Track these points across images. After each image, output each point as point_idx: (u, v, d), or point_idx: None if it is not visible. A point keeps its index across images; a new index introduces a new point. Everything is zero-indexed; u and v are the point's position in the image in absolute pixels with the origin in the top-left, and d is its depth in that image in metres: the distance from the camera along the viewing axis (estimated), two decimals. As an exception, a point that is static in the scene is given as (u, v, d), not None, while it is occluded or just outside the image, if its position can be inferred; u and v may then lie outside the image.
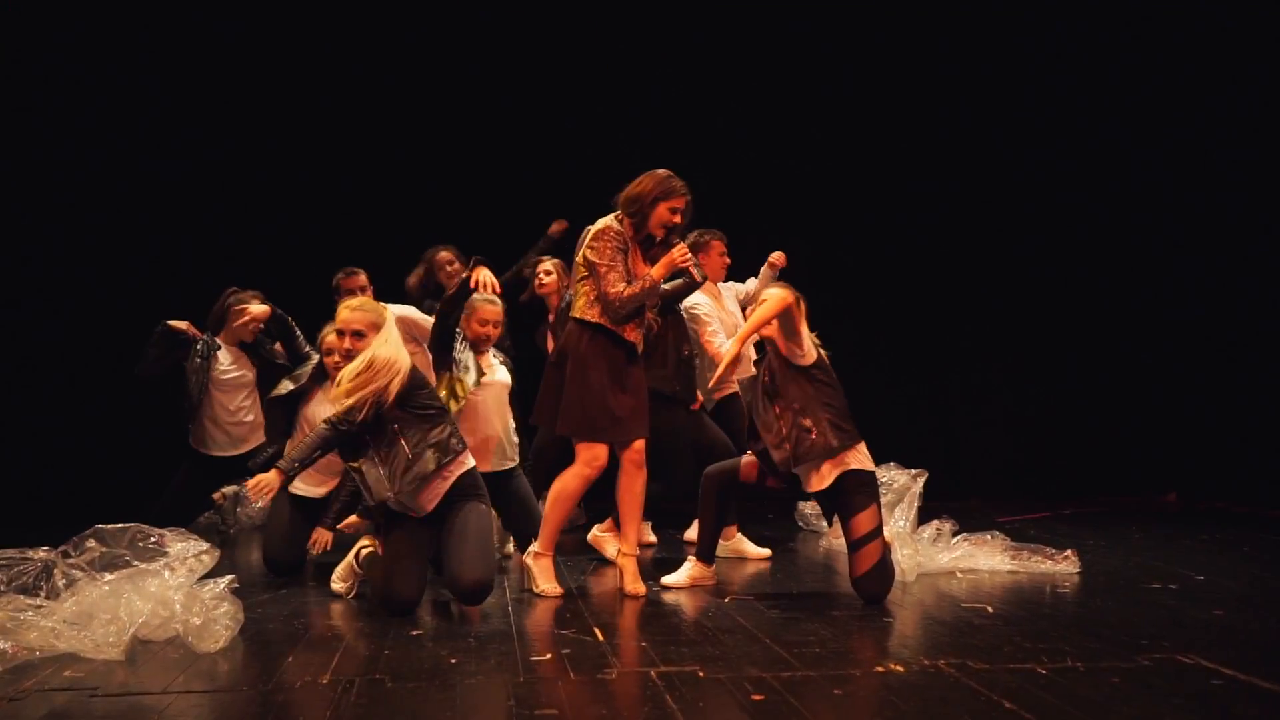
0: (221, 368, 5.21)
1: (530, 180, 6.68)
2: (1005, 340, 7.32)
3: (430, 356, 4.58)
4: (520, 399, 4.87)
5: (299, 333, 5.05)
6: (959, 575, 4.32)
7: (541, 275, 5.40)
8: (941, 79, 7.20)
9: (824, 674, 2.85)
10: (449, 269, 5.48)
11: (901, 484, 4.72)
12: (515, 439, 4.80)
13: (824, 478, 3.86)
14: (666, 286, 4.34)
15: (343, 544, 4.35)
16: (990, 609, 3.68)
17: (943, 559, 4.38)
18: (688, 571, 4.15)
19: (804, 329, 3.91)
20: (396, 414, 3.63)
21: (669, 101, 7.00)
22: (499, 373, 4.73)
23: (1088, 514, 6.37)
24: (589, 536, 4.88)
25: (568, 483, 3.98)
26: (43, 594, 3.24)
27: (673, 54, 7.03)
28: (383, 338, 3.71)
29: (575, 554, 4.91)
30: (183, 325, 5.20)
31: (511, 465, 4.76)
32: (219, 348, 5.21)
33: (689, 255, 3.93)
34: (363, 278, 5.44)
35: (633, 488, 4.01)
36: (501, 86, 6.92)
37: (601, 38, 6.95)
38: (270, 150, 6.66)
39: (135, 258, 6.46)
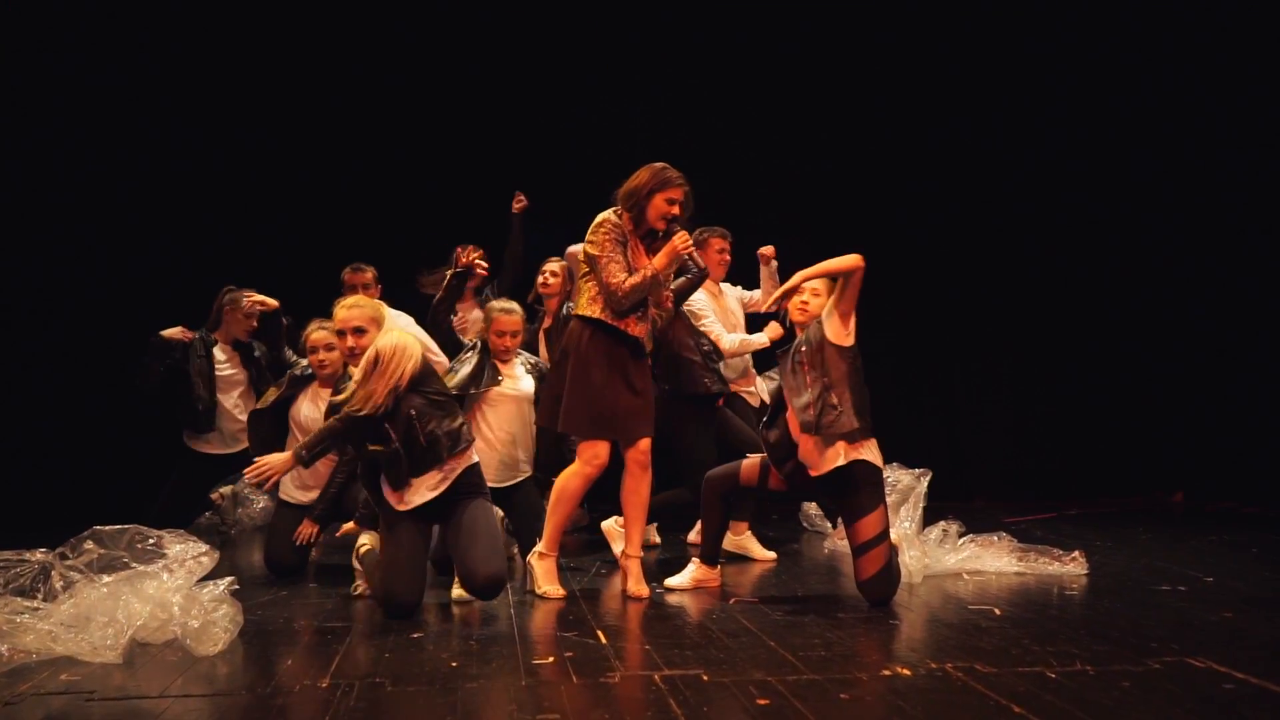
0: (217, 365, 5.29)
1: (531, 181, 6.64)
2: (1010, 339, 7.27)
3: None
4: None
5: (284, 343, 5.12)
6: (965, 577, 4.28)
7: (548, 275, 5.34)
8: (943, 78, 7.16)
9: (830, 678, 2.81)
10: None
11: (906, 484, 4.67)
12: (527, 454, 4.77)
13: (834, 458, 3.79)
14: (673, 285, 4.30)
15: (344, 545, 4.33)
16: (997, 611, 3.64)
17: (949, 560, 4.34)
18: (691, 573, 4.12)
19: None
20: (413, 400, 3.63)
21: (669, 102, 6.96)
22: (522, 383, 4.67)
23: (1094, 514, 6.33)
24: (603, 525, 4.78)
25: (568, 482, 3.95)
26: (40, 596, 3.22)
27: (673, 54, 6.99)
28: (385, 330, 3.73)
29: (579, 555, 4.87)
30: (174, 332, 5.28)
31: (520, 479, 4.75)
32: (215, 344, 5.31)
33: (690, 243, 3.89)
34: (369, 274, 5.45)
35: (638, 489, 3.97)
36: (501, 86, 6.89)
37: (603, 38, 6.92)
38: (270, 150, 6.64)
39: (133, 258, 6.43)
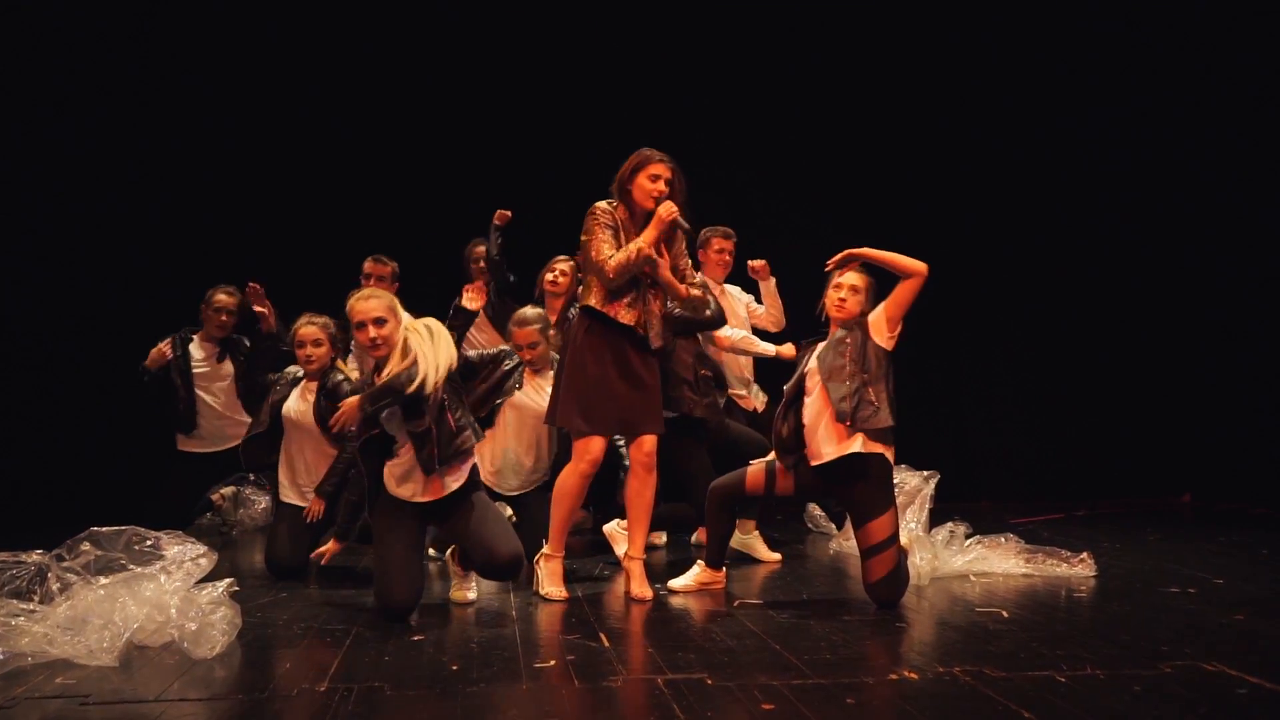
0: (194, 362, 5.36)
1: (534, 181, 6.61)
2: (1018, 341, 7.23)
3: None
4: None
5: (270, 358, 5.19)
6: (972, 579, 4.24)
7: (556, 274, 5.23)
8: (946, 76, 7.13)
9: (836, 682, 2.77)
10: (476, 267, 5.64)
11: (913, 486, 4.65)
12: (532, 466, 4.76)
13: (850, 445, 3.72)
14: (682, 312, 4.23)
15: (348, 551, 4.29)
16: (1006, 614, 3.60)
17: (956, 562, 4.30)
18: (695, 575, 4.07)
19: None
20: (444, 387, 3.64)
21: (670, 101, 6.91)
22: (543, 395, 4.59)
23: (1102, 516, 6.29)
24: (604, 528, 4.74)
25: (565, 480, 3.92)
26: (36, 598, 3.18)
27: (674, 53, 6.97)
28: (408, 320, 3.72)
29: (581, 557, 4.83)
30: (155, 354, 5.35)
31: (522, 492, 4.76)
32: (191, 340, 5.39)
33: (674, 210, 3.82)
34: (391, 268, 5.46)
35: (642, 491, 3.93)
36: (504, 86, 6.86)
37: (607, 38, 6.90)
38: (269, 151, 6.62)
39: (131, 259, 6.41)
